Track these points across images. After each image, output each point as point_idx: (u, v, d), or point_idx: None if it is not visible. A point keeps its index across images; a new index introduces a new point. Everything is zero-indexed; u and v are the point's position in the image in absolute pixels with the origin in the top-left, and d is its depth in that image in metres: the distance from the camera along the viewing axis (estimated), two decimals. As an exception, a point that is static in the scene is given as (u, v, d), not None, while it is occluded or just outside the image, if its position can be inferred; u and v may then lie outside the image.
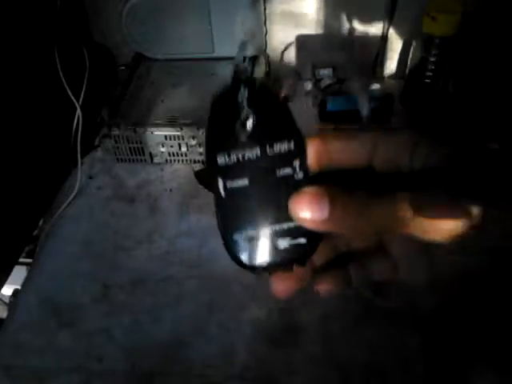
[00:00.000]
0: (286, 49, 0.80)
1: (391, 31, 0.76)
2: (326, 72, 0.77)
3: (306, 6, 0.75)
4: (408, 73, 0.74)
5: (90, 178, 0.67)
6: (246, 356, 0.46)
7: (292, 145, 0.23)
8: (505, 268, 0.21)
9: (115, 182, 0.66)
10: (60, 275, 0.54)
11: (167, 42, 0.73)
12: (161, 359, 0.46)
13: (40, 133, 0.62)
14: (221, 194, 0.22)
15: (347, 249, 0.24)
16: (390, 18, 0.74)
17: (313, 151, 0.22)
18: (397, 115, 0.73)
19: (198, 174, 0.65)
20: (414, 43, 0.73)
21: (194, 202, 0.62)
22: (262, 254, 0.22)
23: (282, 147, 0.22)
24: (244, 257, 0.23)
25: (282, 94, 0.28)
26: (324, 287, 0.23)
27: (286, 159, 0.22)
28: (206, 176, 0.64)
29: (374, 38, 0.77)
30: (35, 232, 0.63)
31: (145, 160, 0.67)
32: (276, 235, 0.22)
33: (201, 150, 0.65)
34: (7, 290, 0.62)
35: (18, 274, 0.59)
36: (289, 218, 0.21)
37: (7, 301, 0.63)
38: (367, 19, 0.76)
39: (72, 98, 0.65)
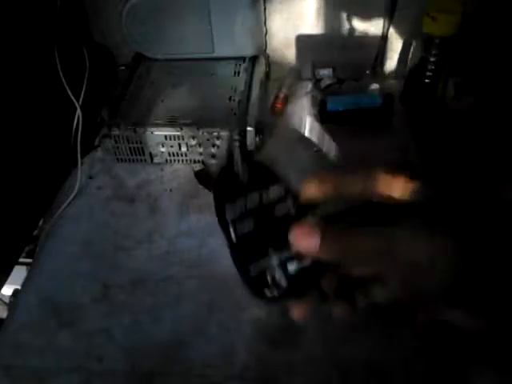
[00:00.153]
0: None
1: (391, 31, 0.76)
2: (325, 72, 0.77)
3: (306, 5, 0.75)
4: (408, 73, 0.74)
5: (90, 177, 0.67)
6: (246, 356, 0.46)
7: (282, 190, 0.29)
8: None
9: (115, 182, 0.66)
10: (60, 275, 0.54)
11: (167, 42, 0.73)
12: (161, 359, 0.46)
13: (40, 133, 0.62)
14: (233, 241, 0.28)
15: (352, 277, 0.27)
16: (390, 18, 0.74)
17: (310, 190, 0.27)
18: (397, 115, 0.73)
19: (197, 174, 0.65)
20: (413, 43, 0.73)
21: (193, 202, 0.62)
22: (278, 282, 0.27)
23: (273, 194, 0.28)
24: (266, 290, 0.27)
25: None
26: (335, 312, 0.27)
27: (279, 202, 0.28)
28: (206, 176, 0.65)
29: (374, 38, 0.77)
30: (35, 232, 0.63)
31: (145, 160, 0.67)
32: (285, 262, 0.27)
33: (201, 149, 0.65)
34: (7, 290, 0.62)
35: (18, 274, 0.59)
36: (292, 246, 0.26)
37: (7, 301, 0.64)
38: (367, 19, 0.76)
39: (72, 98, 0.65)
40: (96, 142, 0.71)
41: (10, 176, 0.57)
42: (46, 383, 0.45)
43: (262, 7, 0.73)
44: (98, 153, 0.70)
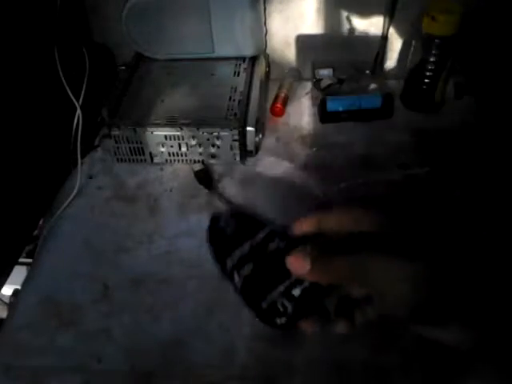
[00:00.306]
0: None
1: (391, 31, 0.76)
2: (325, 72, 0.77)
3: (306, 5, 0.75)
4: (408, 73, 0.74)
5: (90, 178, 0.67)
6: (246, 356, 0.46)
7: (267, 230, 0.34)
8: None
9: (115, 182, 0.66)
10: (60, 275, 0.54)
11: (167, 41, 0.73)
12: (161, 359, 0.46)
13: (40, 133, 0.63)
14: (239, 286, 0.33)
15: (350, 297, 0.33)
16: (390, 18, 0.74)
17: (299, 228, 0.34)
18: (397, 114, 0.73)
19: (197, 174, 0.65)
20: (413, 43, 0.73)
21: (193, 202, 0.62)
22: (287, 308, 0.31)
23: (260, 235, 0.33)
24: (277, 319, 0.32)
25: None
26: (337, 329, 0.32)
27: (268, 241, 0.33)
28: (206, 176, 0.65)
29: (374, 37, 0.77)
30: (35, 232, 0.64)
31: (145, 160, 0.67)
32: (289, 289, 0.31)
33: (201, 149, 0.65)
34: (7, 290, 0.62)
35: (18, 274, 0.59)
36: (291, 274, 0.31)
37: (7, 301, 0.64)
38: (367, 19, 0.76)
39: (72, 98, 0.65)
40: (96, 142, 0.71)
41: (10, 176, 0.57)
42: (45, 383, 0.45)
43: (262, 7, 0.73)
44: (98, 153, 0.70)
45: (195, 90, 0.70)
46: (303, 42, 0.79)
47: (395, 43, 0.78)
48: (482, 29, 0.70)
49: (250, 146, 0.65)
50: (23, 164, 0.59)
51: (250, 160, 0.67)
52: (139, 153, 0.66)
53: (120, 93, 0.69)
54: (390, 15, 0.74)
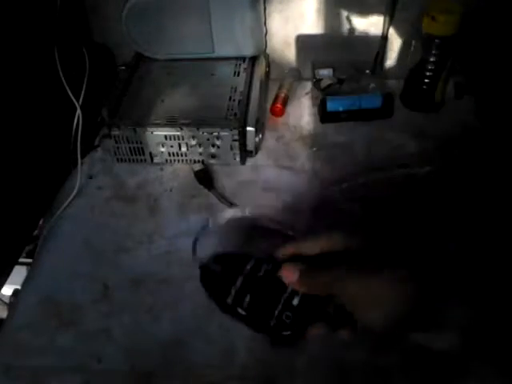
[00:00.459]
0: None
1: (391, 31, 0.76)
2: (325, 72, 0.77)
3: (306, 5, 0.75)
4: (408, 73, 0.74)
5: (90, 177, 0.67)
6: (246, 356, 0.46)
7: (252, 261, 0.38)
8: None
9: (115, 182, 0.66)
10: (60, 275, 0.54)
11: (167, 41, 0.73)
12: (161, 359, 0.46)
13: (40, 133, 0.63)
14: (244, 317, 0.37)
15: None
16: (390, 18, 0.74)
17: (283, 252, 0.38)
18: (397, 114, 0.73)
19: (197, 174, 0.65)
20: (413, 43, 0.73)
21: (193, 202, 0.62)
22: (292, 318, 0.35)
23: (248, 267, 0.38)
24: (288, 330, 0.36)
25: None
26: (342, 335, 0.36)
27: (256, 268, 0.37)
28: (206, 176, 0.65)
29: (374, 37, 0.77)
30: (35, 232, 0.64)
31: (145, 160, 0.67)
32: (288, 301, 0.36)
33: (201, 149, 0.65)
34: (7, 290, 0.62)
35: (18, 274, 0.59)
36: (286, 288, 0.36)
37: (7, 301, 0.64)
38: (367, 19, 0.76)
39: (72, 98, 0.65)
40: (96, 142, 0.71)
41: (10, 176, 0.57)
42: (45, 383, 0.45)
43: (262, 7, 0.73)
44: (98, 153, 0.70)
45: (195, 89, 0.70)
46: (303, 41, 0.79)
47: (395, 43, 0.78)
48: (482, 29, 0.70)
49: (250, 146, 0.65)
50: (23, 164, 0.59)
51: (249, 160, 0.67)
52: (139, 153, 0.66)
53: (120, 93, 0.69)
54: (390, 15, 0.74)
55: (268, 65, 0.80)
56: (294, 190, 0.62)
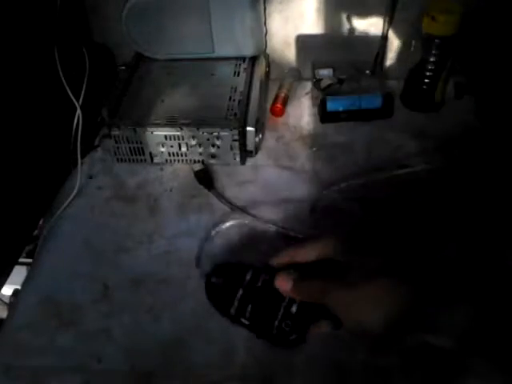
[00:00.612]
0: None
1: (391, 31, 0.76)
2: (325, 72, 0.77)
3: (306, 5, 0.75)
4: (408, 73, 0.74)
5: (90, 177, 0.67)
6: (246, 356, 0.46)
7: (251, 271, 0.41)
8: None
9: (115, 182, 0.66)
10: (60, 275, 0.54)
11: (167, 41, 0.73)
12: (161, 359, 0.46)
13: (40, 133, 0.63)
14: (248, 325, 0.40)
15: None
16: (390, 18, 0.74)
17: (278, 260, 0.41)
18: (397, 114, 0.73)
19: (197, 174, 0.65)
20: (413, 43, 0.73)
21: (193, 202, 0.62)
22: (291, 325, 0.38)
23: (247, 277, 0.41)
24: (289, 336, 0.39)
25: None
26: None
27: (255, 278, 0.41)
28: (206, 176, 0.65)
29: (374, 37, 0.77)
30: (35, 232, 0.63)
31: (145, 160, 0.67)
32: (287, 308, 0.39)
33: (201, 149, 0.65)
34: (7, 290, 0.62)
35: (18, 274, 0.59)
36: (284, 296, 0.39)
37: (7, 301, 0.64)
38: (367, 19, 0.76)
39: (72, 98, 0.65)
40: (96, 142, 0.71)
41: (10, 176, 0.57)
42: (45, 383, 0.45)
43: (262, 7, 0.73)
44: (98, 153, 0.70)
45: (195, 89, 0.70)
46: (303, 41, 0.79)
47: (395, 43, 0.78)
48: (482, 29, 0.70)
49: (250, 146, 0.65)
50: (23, 164, 0.59)
51: (249, 160, 0.67)
52: (139, 153, 0.66)
53: (120, 93, 0.69)
54: (390, 15, 0.74)
55: (268, 65, 0.80)
56: (294, 190, 0.62)
